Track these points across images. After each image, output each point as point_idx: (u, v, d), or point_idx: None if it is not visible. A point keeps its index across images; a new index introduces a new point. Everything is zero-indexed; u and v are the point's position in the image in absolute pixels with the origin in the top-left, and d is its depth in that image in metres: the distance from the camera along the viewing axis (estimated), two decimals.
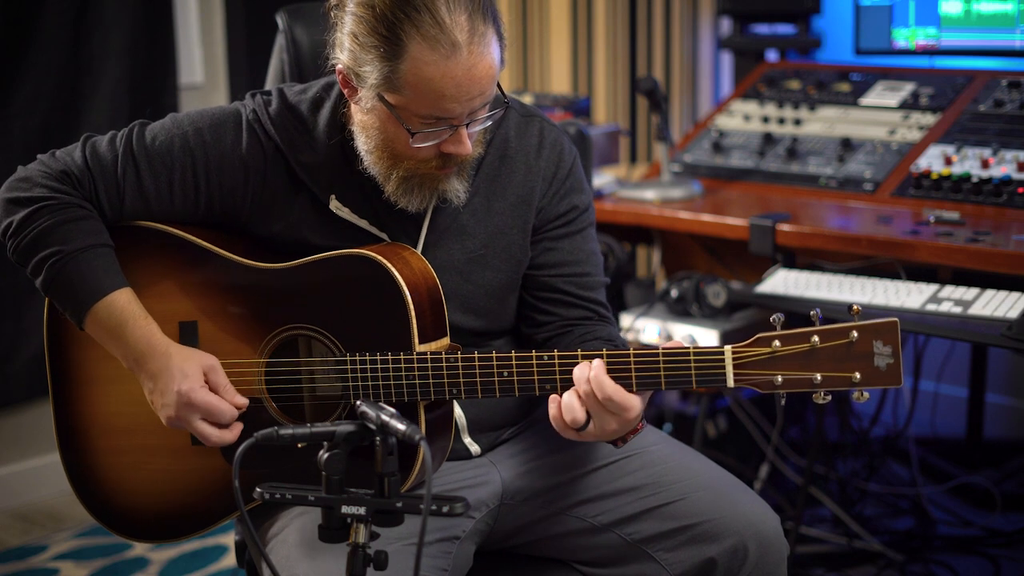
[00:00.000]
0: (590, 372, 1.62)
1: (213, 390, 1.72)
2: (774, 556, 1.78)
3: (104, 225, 1.78)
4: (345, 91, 1.74)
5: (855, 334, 1.56)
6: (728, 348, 1.61)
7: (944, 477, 3.26)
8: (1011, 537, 3.02)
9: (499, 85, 1.73)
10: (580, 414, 1.62)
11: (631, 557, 1.83)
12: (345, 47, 1.69)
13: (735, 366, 1.61)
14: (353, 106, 1.75)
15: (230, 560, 3.09)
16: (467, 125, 1.69)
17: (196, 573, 3.04)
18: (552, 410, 1.65)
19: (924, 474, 3.25)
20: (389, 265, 1.71)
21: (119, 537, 1.92)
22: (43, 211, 1.75)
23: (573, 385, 1.64)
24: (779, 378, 1.59)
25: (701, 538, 1.77)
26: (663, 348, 1.63)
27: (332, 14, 1.72)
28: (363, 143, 1.74)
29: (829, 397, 1.59)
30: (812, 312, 1.60)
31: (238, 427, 1.75)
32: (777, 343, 1.59)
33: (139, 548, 3.16)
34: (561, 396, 1.64)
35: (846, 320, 1.60)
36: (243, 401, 1.75)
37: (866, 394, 1.57)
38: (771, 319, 1.60)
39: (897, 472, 3.31)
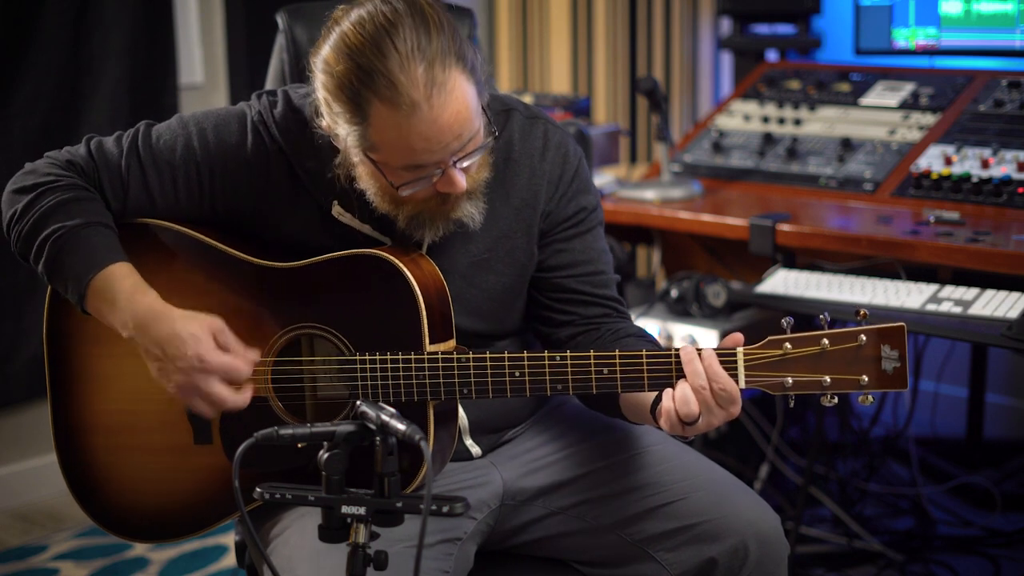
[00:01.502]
0: (703, 364, 1.60)
1: (224, 350, 1.69)
2: (774, 556, 1.78)
3: (108, 211, 1.78)
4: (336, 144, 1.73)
5: (863, 338, 1.58)
6: (740, 349, 1.61)
7: (944, 477, 3.26)
8: (1011, 537, 3.02)
9: (485, 110, 1.69)
10: (695, 407, 1.60)
11: (632, 557, 1.83)
12: (322, 110, 1.68)
13: (747, 367, 1.61)
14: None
15: (230, 560, 3.09)
16: (455, 163, 1.66)
17: (196, 573, 3.04)
18: (666, 403, 1.62)
19: (924, 474, 3.25)
20: (402, 265, 1.71)
21: (118, 537, 1.91)
22: (47, 192, 1.74)
23: (586, 386, 1.66)
24: (789, 380, 1.60)
25: (702, 538, 1.77)
26: (675, 349, 1.64)
27: (309, 71, 1.69)
28: (364, 186, 1.73)
29: (836, 399, 1.60)
30: (821, 315, 1.61)
31: (249, 388, 1.72)
32: (788, 345, 1.60)
33: (139, 548, 3.16)
34: (675, 389, 1.62)
35: (848, 322, 1.60)
36: (255, 355, 1.72)
37: (871, 397, 1.59)
38: (782, 322, 1.61)
39: (897, 472, 3.31)
